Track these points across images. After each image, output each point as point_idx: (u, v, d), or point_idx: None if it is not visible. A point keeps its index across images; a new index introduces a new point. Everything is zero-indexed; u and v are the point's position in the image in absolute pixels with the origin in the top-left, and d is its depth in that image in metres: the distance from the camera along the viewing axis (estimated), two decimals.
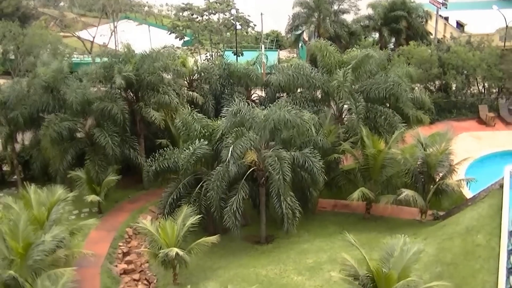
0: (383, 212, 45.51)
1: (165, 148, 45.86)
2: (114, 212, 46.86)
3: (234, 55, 76.00)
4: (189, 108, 46.10)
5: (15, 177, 54.04)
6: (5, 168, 56.96)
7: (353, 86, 47.79)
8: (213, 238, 37.99)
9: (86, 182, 46.83)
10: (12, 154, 53.60)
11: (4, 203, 37.97)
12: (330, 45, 50.75)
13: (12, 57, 74.84)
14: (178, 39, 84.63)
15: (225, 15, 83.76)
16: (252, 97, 56.17)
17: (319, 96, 50.70)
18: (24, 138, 55.24)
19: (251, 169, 41.58)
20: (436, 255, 36.24)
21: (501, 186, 40.15)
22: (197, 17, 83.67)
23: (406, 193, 42.16)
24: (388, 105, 50.26)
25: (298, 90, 51.36)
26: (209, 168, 43.15)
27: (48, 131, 47.71)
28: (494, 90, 67.52)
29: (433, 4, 77.89)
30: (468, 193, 45.57)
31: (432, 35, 79.24)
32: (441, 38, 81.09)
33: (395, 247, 30.01)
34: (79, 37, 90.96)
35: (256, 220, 43.85)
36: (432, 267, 35.05)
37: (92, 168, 47.27)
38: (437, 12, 77.73)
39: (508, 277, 33.08)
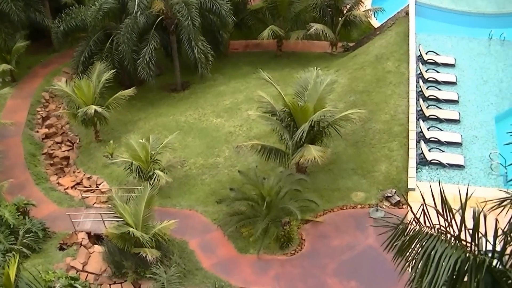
0: (295, 48, 45.87)
1: (71, 7, 44.54)
2: (28, 78, 45.77)
3: None
4: None
5: None
6: None
7: None
8: (130, 91, 37.81)
9: None
10: None
11: None
12: None
13: None
14: None
15: None
16: None
17: None
18: None
19: (159, 18, 40.95)
20: (349, 84, 37.25)
21: (407, 14, 41.08)
22: None
23: (316, 27, 42.40)
24: None
25: None
26: (118, 22, 42.10)
27: None
28: None
29: None
30: (375, 22, 46.28)
31: None
32: None
33: (309, 80, 30.73)
34: None
35: (170, 69, 43.77)
36: (346, 97, 36.13)
37: None
38: None
39: (417, 100, 34.51)
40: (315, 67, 31.99)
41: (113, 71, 38.86)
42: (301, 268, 27.60)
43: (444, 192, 13.27)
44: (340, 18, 44.34)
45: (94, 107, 36.10)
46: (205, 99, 40.66)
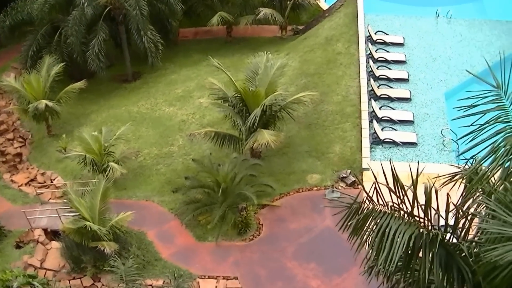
0: (245, 33, 45.80)
1: (16, 1, 43.74)
2: None
3: None
4: None
5: None
6: None
7: None
8: (80, 84, 37.30)
9: None
10: None
11: None
12: None
13: None
14: None
15: None
16: None
17: None
18: None
19: (107, 9, 40.52)
20: (300, 67, 37.35)
21: None
22: None
23: (264, 11, 42.43)
24: None
25: None
26: (65, 14, 41.41)
27: None
28: None
29: None
30: (324, 5, 46.46)
31: None
32: None
33: (259, 64, 30.73)
34: None
35: (121, 59, 43.28)
36: (298, 80, 36.23)
37: None
38: None
39: (368, 80, 34.74)
40: (265, 52, 31.98)
41: (63, 64, 38.22)
42: (260, 253, 27.68)
43: (395, 170, 13.40)
44: (288, 2, 44.25)
45: (44, 101, 35.59)
46: (156, 89, 40.40)
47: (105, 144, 31.98)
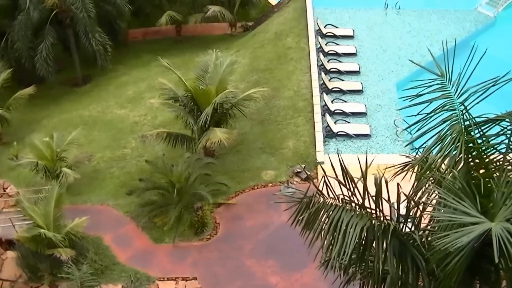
0: (194, 32, 45.65)
1: None
2: None
3: None
4: None
5: None
6: None
7: None
8: (29, 90, 36.85)
9: None
10: None
11: None
12: None
13: None
14: None
15: None
16: None
17: None
18: None
19: (54, 12, 40.03)
20: (251, 64, 37.32)
21: None
22: None
23: (213, 9, 42.47)
24: None
25: None
26: (11, 19, 40.91)
27: None
28: None
29: None
30: (273, 0, 46.52)
31: None
32: None
33: (209, 63, 30.66)
34: None
35: (70, 63, 42.86)
36: (249, 76, 36.19)
37: None
38: None
39: (320, 73, 34.81)
40: (215, 49, 31.90)
41: (10, 70, 37.74)
42: (218, 252, 27.53)
43: (343, 163, 13.40)
44: None
45: None
46: (107, 91, 40.02)
47: (57, 149, 31.54)
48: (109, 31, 42.38)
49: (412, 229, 13.34)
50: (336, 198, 13.42)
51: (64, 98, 41.23)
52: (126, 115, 36.63)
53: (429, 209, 13.40)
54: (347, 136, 31.42)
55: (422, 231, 13.28)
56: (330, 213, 13.29)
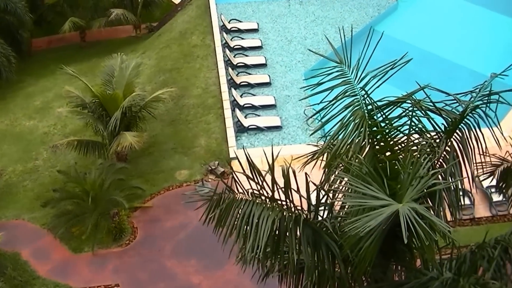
0: (99, 37, 45.12)
1: None
2: None
3: None
4: None
5: None
6: None
7: None
8: None
9: None
10: None
11: None
12: None
13: None
14: None
15: None
16: None
17: None
18: None
19: None
20: (157, 65, 37.20)
21: None
22: None
23: (116, 12, 42.09)
24: None
25: None
26: None
27: None
28: None
29: None
30: None
31: None
32: None
33: (114, 67, 30.46)
34: None
35: None
36: (156, 77, 36.07)
37: None
38: None
39: (227, 69, 34.94)
40: (120, 53, 31.71)
41: None
42: (138, 257, 27.36)
43: (249, 156, 13.57)
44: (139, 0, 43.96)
45: None
46: (14, 103, 39.10)
47: None
48: (12, 42, 41.32)
49: (325, 217, 13.60)
50: (246, 192, 13.57)
51: None
52: (35, 126, 35.90)
53: (340, 195, 13.66)
54: (258, 129, 31.64)
55: (334, 219, 13.54)
56: (241, 208, 13.44)
